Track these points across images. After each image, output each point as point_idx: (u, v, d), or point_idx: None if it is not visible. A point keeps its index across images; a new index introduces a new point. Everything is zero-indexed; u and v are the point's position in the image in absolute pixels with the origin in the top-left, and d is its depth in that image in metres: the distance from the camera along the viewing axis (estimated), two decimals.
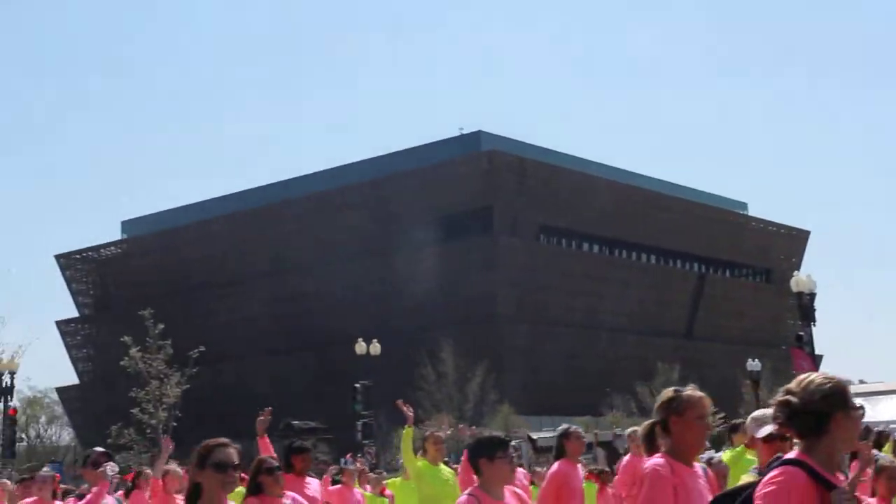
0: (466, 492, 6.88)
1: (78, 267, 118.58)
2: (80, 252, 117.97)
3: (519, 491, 7.37)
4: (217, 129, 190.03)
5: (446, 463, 13.22)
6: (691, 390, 5.95)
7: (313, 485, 10.75)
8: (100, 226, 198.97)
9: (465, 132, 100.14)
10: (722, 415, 72.37)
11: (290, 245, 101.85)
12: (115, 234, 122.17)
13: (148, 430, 52.47)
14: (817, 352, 38.36)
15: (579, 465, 10.99)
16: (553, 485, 10.21)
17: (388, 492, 18.00)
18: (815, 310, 34.54)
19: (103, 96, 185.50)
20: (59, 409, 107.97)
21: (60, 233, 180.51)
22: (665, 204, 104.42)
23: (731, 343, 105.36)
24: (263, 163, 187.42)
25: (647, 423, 6.14)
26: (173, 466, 14.12)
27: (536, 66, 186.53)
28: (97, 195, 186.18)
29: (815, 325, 34.43)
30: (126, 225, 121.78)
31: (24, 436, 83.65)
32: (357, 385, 52.33)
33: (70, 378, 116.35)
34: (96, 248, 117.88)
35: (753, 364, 62.15)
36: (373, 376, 53.29)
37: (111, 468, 10.08)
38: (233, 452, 5.29)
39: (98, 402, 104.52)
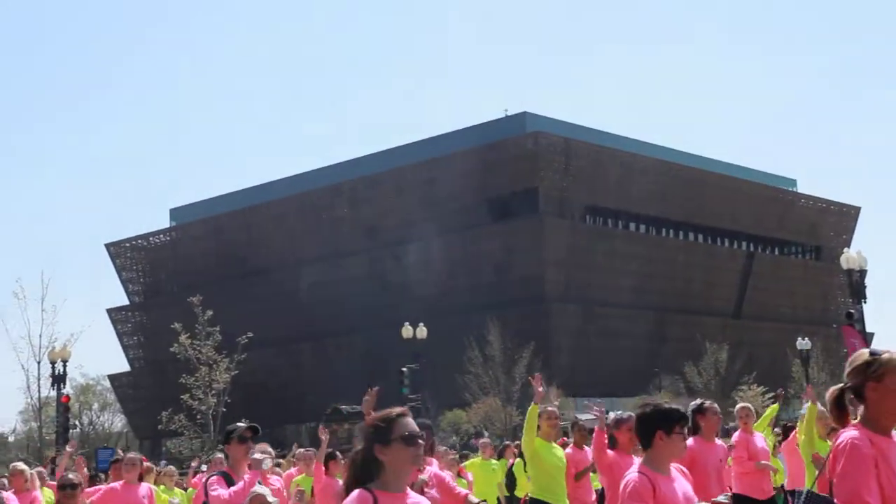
0: (634, 469, 6.22)
1: (128, 255, 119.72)
2: (129, 240, 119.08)
3: (683, 468, 6.87)
4: (265, 115, 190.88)
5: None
6: (891, 353, 5.24)
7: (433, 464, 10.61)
8: (149, 214, 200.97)
9: (510, 114, 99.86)
10: (772, 394, 72.18)
11: (339, 229, 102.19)
12: (164, 222, 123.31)
13: (198, 416, 52.87)
14: (868, 329, 37.86)
15: (719, 442, 10.65)
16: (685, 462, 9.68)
17: (467, 474, 17.82)
18: (865, 287, 34.05)
19: (152, 84, 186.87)
20: (111, 396, 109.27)
21: (110, 221, 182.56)
22: (712, 182, 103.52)
23: (781, 322, 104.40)
24: (311, 148, 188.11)
25: (834, 388, 5.44)
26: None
27: (582, 47, 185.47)
28: (146, 184, 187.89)
29: (865, 302, 33.97)
30: (175, 212, 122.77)
31: (77, 423, 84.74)
32: (404, 369, 52.37)
33: (121, 365, 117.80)
34: (146, 237, 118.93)
35: (803, 343, 61.66)
36: (420, 360, 53.27)
37: (261, 454, 8.27)
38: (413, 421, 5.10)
39: (149, 389, 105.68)
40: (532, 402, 12.09)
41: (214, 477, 7.63)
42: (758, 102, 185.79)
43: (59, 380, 41.10)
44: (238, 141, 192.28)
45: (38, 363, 53.21)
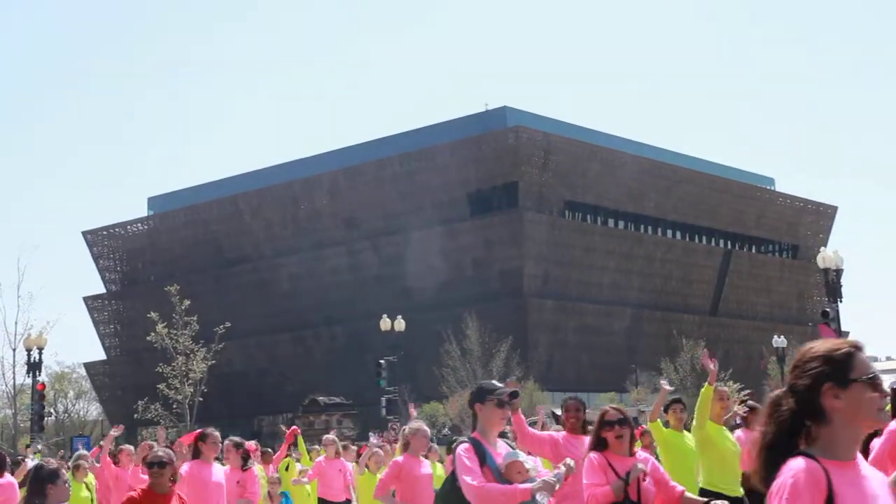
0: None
1: (105, 243, 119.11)
2: (106, 228, 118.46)
3: None
4: (244, 104, 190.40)
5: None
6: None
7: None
8: (126, 202, 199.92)
9: (490, 108, 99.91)
10: (747, 391, 72.63)
11: (318, 220, 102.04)
12: (142, 211, 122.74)
13: (174, 406, 52.83)
14: (844, 328, 38.12)
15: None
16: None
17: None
18: (841, 286, 34.27)
19: (129, 72, 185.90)
20: (86, 385, 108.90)
21: (88, 209, 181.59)
22: (691, 180, 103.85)
23: (757, 320, 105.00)
24: (290, 138, 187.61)
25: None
26: None
27: (562, 42, 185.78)
28: (124, 172, 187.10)
29: (841, 301, 34.16)
30: (152, 201, 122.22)
31: (52, 410, 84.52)
32: (381, 361, 52.40)
33: (97, 354, 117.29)
34: (123, 225, 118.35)
35: (779, 341, 61.96)
36: (397, 352, 53.30)
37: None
38: None
39: (125, 378, 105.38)
40: (706, 383, 11.28)
41: (466, 444, 6.82)
42: (737, 101, 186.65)
43: (34, 367, 40.92)
44: (217, 130, 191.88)
45: (14, 350, 53.22)
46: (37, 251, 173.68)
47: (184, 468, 10.37)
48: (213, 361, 53.39)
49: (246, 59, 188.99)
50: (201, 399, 53.14)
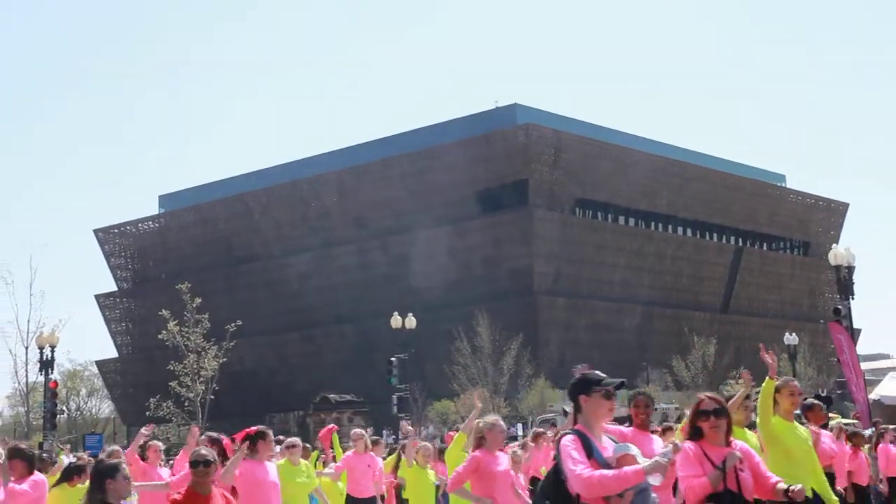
0: None
1: (116, 241, 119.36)
2: (118, 226, 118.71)
3: None
4: (253, 104, 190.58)
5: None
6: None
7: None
8: (137, 200, 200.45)
9: (500, 106, 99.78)
10: (757, 390, 72.46)
11: (328, 219, 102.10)
12: (153, 209, 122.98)
13: (186, 403, 52.90)
14: (855, 326, 38.03)
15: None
16: None
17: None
18: (853, 283, 34.12)
19: (135, 72, 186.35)
20: (98, 382, 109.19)
21: (99, 207, 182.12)
22: (702, 177, 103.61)
23: (768, 317, 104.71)
24: (300, 137, 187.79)
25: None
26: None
27: (572, 40, 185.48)
28: (135, 170, 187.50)
29: (853, 298, 34.04)
30: (163, 199, 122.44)
31: (64, 408, 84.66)
32: (392, 359, 52.42)
33: (109, 352, 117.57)
34: (134, 223, 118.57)
35: (791, 338, 61.76)
36: (408, 350, 53.32)
37: None
38: None
39: (137, 376, 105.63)
40: (767, 377, 10.73)
41: (571, 436, 6.56)
42: (748, 99, 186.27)
43: (46, 365, 41.06)
44: (228, 129, 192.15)
45: (26, 348, 53.38)
46: (49, 249, 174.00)
47: (238, 468, 10.22)
48: (225, 359, 53.46)
49: (251, 58, 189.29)
50: (213, 397, 53.20)
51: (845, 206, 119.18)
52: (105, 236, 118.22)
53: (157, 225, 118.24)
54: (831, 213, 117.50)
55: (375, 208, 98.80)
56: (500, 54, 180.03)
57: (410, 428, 15.84)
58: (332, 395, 53.97)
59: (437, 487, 15.11)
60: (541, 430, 18.33)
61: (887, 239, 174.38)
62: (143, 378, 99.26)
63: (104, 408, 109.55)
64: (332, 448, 18.67)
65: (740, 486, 7.19)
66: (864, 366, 29.73)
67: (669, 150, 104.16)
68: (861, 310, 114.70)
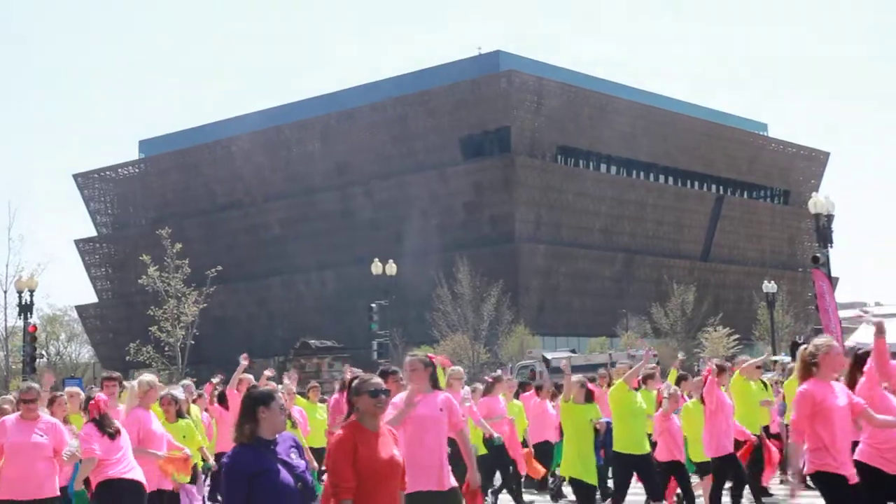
0: None
1: (96, 186, 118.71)
2: (97, 171, 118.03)
3: None
4: (237, 47, 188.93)
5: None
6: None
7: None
8: (117, 145, 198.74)
9: (483, 52, 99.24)
10: (736, 336, 73.04)
11: (310, 165, 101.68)
12: (133, 154, 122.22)
13: (166, 348, 52.94)
14: (834, 274, 38.25)
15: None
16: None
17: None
18: (832, 232, 34.26)
19: (120, 14, 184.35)
20: (78, 327, 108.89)
21: (78, 152, 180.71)
22: (684, 125, 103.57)
23: (748, 265, 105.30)
24: (283, 82, 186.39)
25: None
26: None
27: None
28: (115, 115, 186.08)
29: (832, 246, 34.18)
30: (144, 144, 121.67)
31: (44, 353, 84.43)
32: (373, 305, 52.49)
33: (89, 297, 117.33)
34: (114, 168, 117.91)
35: (769, 286, 62.07)
36: (389, 296, 53.41)
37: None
38: None
39: (117, 321, 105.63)
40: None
41: None
42: (730, 47, 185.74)
43: (25, 309, 40.88)
44: (209, 73, 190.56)
45: (5, 292, 53.11)
46: (28, 194, 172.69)
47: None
48: (205, 305, 53.46)
49: (238, 3, 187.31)
50: (193, 342, 53.31)
51: (826, 155, 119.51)
52: (84, 181, 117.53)
53: (137, 170, 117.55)
54: (812, 162, 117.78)
55: (358, 154, 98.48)
56: (483, 1, 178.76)
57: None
58: (312, 341, 53.95)
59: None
60: (497, 375, 17.83)
61: (866, 189, 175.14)
62: (123, 323, 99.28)
63: (84, 353, 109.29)
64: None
65: None
66: (842, 314, 29.88)
67: (651, 99, 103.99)
68: (840, 258, 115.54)
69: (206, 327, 59.49)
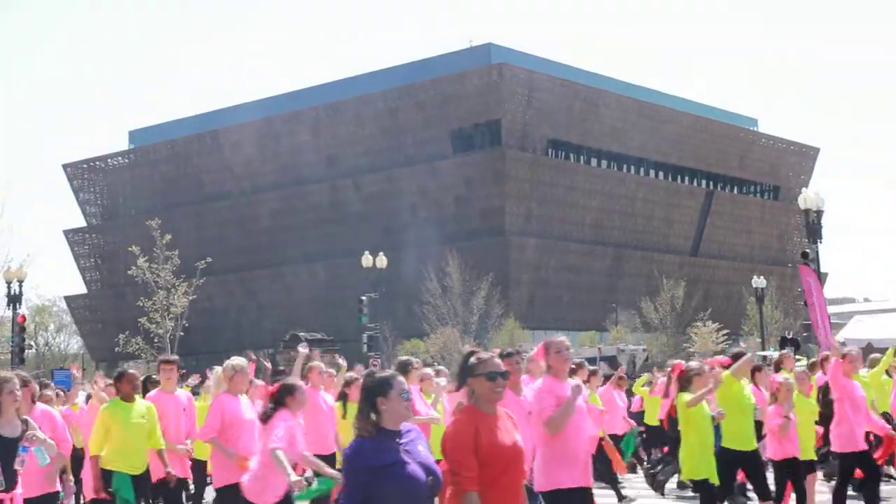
0: None
1: (85, 177, 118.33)
2: (87, 161, 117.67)
3: None
4: (227, 38, 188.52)
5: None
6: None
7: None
8: (108, 135, 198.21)
9: (474, 45, 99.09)
10: (726, 331, 73.17)
11: (299, 157, 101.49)
12: (123, 144, 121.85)
13: (155, 340, 52.90)
14: (823, 269, 38.30)
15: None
16: None
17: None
18: (821, 227, 34.29)
19: (110, 5, 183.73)
20: (67, 318, 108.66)
21: (68, 142, 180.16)
22: (674, 120, 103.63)
23: (737, 260, 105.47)
24: (273, 74, 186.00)
25: None
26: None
27: None
28: (105, 105, 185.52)
29: (821, 242, 34.20)
30: (134, 135, 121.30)
31: (32, 343, 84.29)
32: (363, 298, 52.45)
33: (78, 287, 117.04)
34: (104, 158, 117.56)
35: (759, 281, 62.18)
36: (379, 289, 53.37)
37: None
38: None
39: (106, 311, 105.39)
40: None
41: None
42: (721, 42, 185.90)
43: (14, 300, 40.81)
44: (199, 64, 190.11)
45: None
46: (17, 184, 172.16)
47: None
48: (194, 296, 53.43)
49: None
50: (182, 333, 53.28)
51: (816, 150, 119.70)
52: (74, 171, 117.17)
53: (126, 160, 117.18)
54: (802, 158, 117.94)
55: (348, 146, 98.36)
56: None
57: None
58: (301, 333, 53.85)
59: None
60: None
61: (856, 185, 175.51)
62: (113, 314, 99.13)
63: (73, 343, 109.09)
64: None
65: None
66: (831, 309, 29.94)
67: (642, 93, 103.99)
68: (828, 255, 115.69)
69: (195, 319, 59.42)
